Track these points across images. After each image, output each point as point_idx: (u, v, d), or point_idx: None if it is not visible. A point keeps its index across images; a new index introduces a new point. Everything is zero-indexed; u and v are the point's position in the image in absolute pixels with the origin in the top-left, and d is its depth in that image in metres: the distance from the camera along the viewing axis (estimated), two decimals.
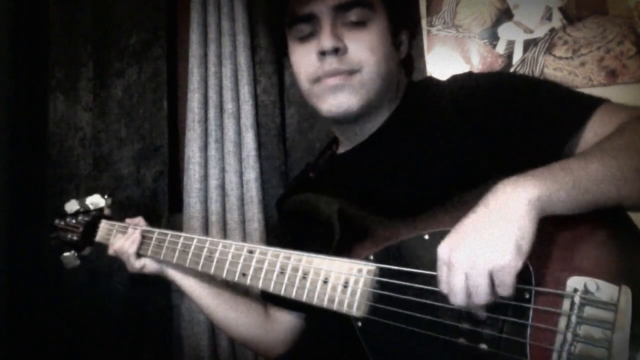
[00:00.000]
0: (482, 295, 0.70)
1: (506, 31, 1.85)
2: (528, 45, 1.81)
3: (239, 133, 2.03)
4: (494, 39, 1.86)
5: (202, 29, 2.10)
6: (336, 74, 0.98)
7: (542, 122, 0.87)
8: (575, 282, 0.70)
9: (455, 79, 1.03)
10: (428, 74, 1.90)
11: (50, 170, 2.38)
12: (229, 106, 2.04)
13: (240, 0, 2.05)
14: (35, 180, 2.37)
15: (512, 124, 0.89)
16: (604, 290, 0.67)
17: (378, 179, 1.03)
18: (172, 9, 2.35)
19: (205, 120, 2.07)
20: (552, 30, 1.78)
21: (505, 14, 1.86)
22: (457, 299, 0.72)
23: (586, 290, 0.68)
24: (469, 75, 1.02)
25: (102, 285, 2.23)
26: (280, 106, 2.08)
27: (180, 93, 2.31)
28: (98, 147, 2.33)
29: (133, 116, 2.29)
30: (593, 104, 0.86)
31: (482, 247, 0.70)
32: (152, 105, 2.27)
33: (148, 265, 1.28)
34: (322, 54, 0.98)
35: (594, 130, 0.83)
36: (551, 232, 0.74)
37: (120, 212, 1.46)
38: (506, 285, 0.69)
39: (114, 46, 2.35)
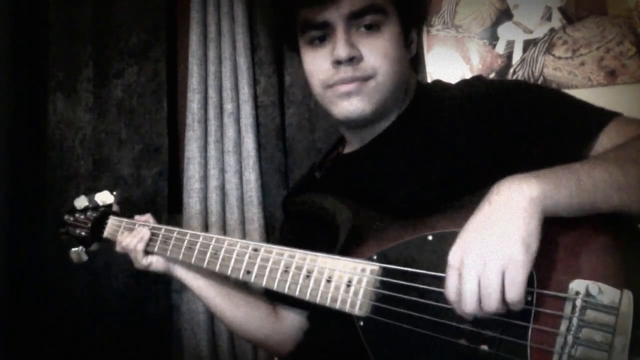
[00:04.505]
0: (493, 300, 0.69)
1: (506, 31, 1.85)
2: (528, 45, 1.81)
3: (238, 133, 2.04)
4: (493, 39, 1.86)
5: (202, 29, 2.10)
6: (351, 81, 0.98)
7: (552, 132, 0.88)
8: (577, 285, 0.70)
9: (465, 83, 1.04)
10: (428, 74, 1.91)
11: (50, 170, 2.37)
12: (228, 106, 2.04)
13: (240, 0, 2.05)
14: (35, 180, 2.37)
15: (522, 131, 0.89)
16: (606, 293, 0.68)
17: (384, 179, 1.03)
18: (172, 9, 2.35)
19: (205, 120, 2.07)
20: (551, 30, 1.79)
21: (505, 14, 1.86)
22: (468, 305, 0.71)
23: (588, 294, 0.68)
24: (479, 79, 1.03)
25: (102, 285, 2.23)
26: (280, 106, 2.08)
27: (180, 93, 2.31)
28: (98, 148, 2.33)
29: (133, 116, 2.29)
30: (605, 117, 0.87)
31: (492, 247, 0.69)
32: (152, 105, 2.27)
33: (155, 263, 1.28)
34: (338, 62, 0.98)
35: (604, 144, 0.84)
36: (554, 235, 0.74)
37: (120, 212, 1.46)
38: (517, 285, 0.67)
39: (114, 46, 2.35)
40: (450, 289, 0.73)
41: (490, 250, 0.69)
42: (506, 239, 0.69)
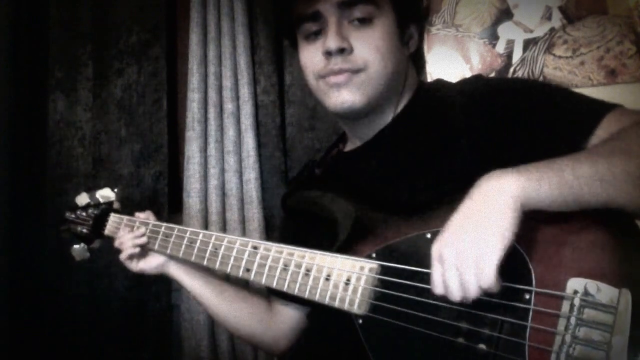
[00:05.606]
0: (472, 288, 0.71)
1: (506, 30, 1.85)
2: (528, 44, 1.81)
3: (238, 133, 2.04)
4: (493, 38, 1.86)
5: (202, 29, 2.10)
6: (340, 73, 0.99)
7: (550, 126, 0.88)
8: (575, 284, 0.70)
9: (464, 81, 1.04)
10: (428, 74, 1.90)
11: (50, 170, 2.37)
12: (228, 106, 2.04)
13: (240, 0, 2.05)
14: (35, 180, 2.37)
15: (521, 128, 0.90)
16: (604, 292, 0.68)
17: (384, 177, 1.04)
18: (172, 9, 2.35)
19: (205, 120, 2.07)
20: (551, 29, 1.79)
21: (505, 14, 1.86)
22: (453, 294, 0.73)
23: (586, 293, 0.68)
24: (478, 78, 1.03)
25: (102, 285, 2.23)
26: (280, 106, 2.08)
27: (180, 93, 2.31)
28: (98, 147, 2.33)
29: (133, 116, 2.29)
30: (603, 109, 0.86)
31: (469, 239, 0.72)
32: (152, 105, 2.27)
33: (147, 268, 1.29)
34: (328, 53, 0.99)
35: (602, 135, 0.83)
36: (553, 234, 0.74)
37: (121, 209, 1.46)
38: (488, 274, 0.70)
39: (114, 46, 2.35)
40: (435, 282, 0.75)
41: (465, 242, 0.72)
42: (480, 231, 0.71)
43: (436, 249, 0.76)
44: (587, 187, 0.72)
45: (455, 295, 0.73)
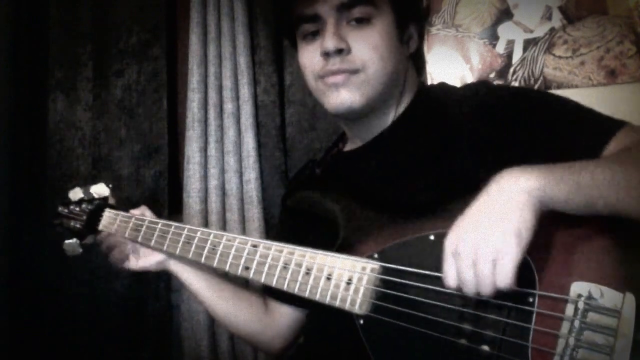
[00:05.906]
0: (488, 285, 0.71)
1: (506, 31, 1.85)
2: (528, 44, 1.81)
3: (238, 133, 2.03)
4: (493, 38, 1.86)
5: (201, 29, 2.09)
6: (338, 73, 1.00)
7: (561, 140, 0.88)
8: (579, 288, 0.70)
9: (470, 87, 1.05)
10: (428, 74, 1.91)
11: (50, 170, 2.37)
12: (228, 106, 2.04)
13: (240, 0, 2.05)
14: (35, 180, 2.37)
15: (529, 137, 0.90)
16: (608, 296, 0.68)
17: (385, 177, 1.04)
18: (172, 9, 2.34)
19: (205, 120, 2.06)
20: (551, 29, 1.79)
21: (505, 14, 1.86)
22: (467, 290, 0.73)
23: (590, 296, 0.68)
24: (484, 84, 1.03)
25: (102, 285, 2.23)
26: (280, 106, 2.08)
27: (180, 93, 2.30)
28: (98, 147, 2.32)
29: (133, 116, 2.29)
30: (614, 126, 0.86)
31: (486, 235, 0.71)
32: (152, 105, 2.26)
33: (148, 266, 1.28)
34: (326, 54, 0.99)
35: (611, 149, 0.83)
36: (556, 237, 0.74)
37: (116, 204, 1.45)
38: (506, 274, 0.69)
39: (114, 46, 2.34)
40: (448, 276, 0.75)
41: (483, 241, 0.71)
42: (498, 230, 0.71)
43: (451, 242, 0.75)
44: (602, 194, 0.72)
45: (468, 291, 0.73)
